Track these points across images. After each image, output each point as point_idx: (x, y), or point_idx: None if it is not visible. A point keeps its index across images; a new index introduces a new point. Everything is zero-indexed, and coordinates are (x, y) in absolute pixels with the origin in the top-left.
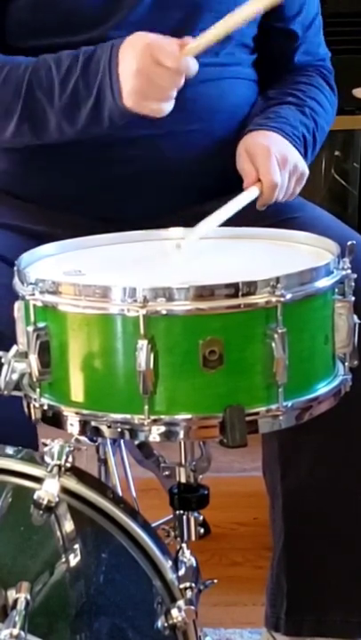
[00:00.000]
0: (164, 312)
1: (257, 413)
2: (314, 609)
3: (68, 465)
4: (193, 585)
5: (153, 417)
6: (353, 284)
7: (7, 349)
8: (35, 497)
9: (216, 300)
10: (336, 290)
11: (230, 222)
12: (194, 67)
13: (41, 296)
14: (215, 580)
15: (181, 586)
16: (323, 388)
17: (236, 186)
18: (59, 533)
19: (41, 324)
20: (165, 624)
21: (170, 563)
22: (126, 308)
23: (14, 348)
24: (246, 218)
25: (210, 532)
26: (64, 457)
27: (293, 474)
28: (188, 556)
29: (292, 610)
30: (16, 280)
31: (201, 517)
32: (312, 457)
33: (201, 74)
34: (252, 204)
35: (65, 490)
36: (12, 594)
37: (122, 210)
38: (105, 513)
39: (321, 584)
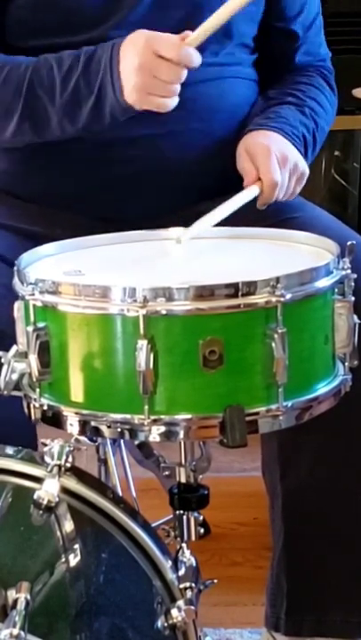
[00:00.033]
0: (163, 312)
1: (257, 413)
2: (314, 609)
3: (68, 465)
4: (193, 585)
5: (153, 417)
6: (353, 283)
7: (7, 349)
8: (35, 497)
9: (216, 300)
10: (336, 290)
11: (230, 222)
12: (196, 58)
13: (41, 296)
14: (215, 580)
15: (181, 586)
16: (323, 388)
17: (237, 185)
18: (59, 533)
19: (41, 324)
20: (165, 624)
21: (170, 563)
22: (126, 307)
23: (14, 348)
24: (246, 218)
25: (210, 532)
26: (64, 457)
27: (293, 474)
28: (188, 556)
29: (292, 610)
30: (16, 280)
31: (201, 517)
32: (312, 457)
33: (201, 73)
34: (253, 203)
35: (65, 490)
36: (12, 594)
37: (122, 210)
38: (105, 513)
39: (321, 584)
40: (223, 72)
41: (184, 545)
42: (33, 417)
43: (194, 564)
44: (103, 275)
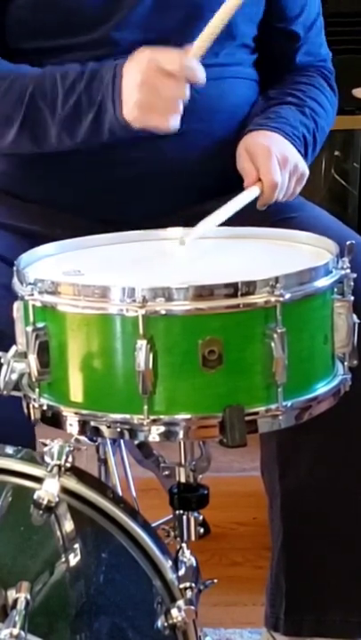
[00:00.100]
0: (163, 312)
1: (256, 413)
2: (313, 609)
3: (68, 465)
4: (193, 585)
5: (152, 417)
6: (352, 283)
7: (6, 350)
8: (35, 497)
9: (215, 300)
10: (335, 289)
11: (230, 222)
12: (200, 72)
13: (40, 296)
14: (215, 580)
15: (181, 586)
16: (322, 388)
17: (237, 185)
18: (59, 533)
19: (40, 325)
20: (165, 624)
21: (170, 563)
22: (125, 308)
23: (13, 348)
24: (246, 218)
25: (210, 531)
26: (64, 457)
27: (293, 474)
28: (188, 556)
29: (292, 610)
30: (15, 280)
31: (201, 517)
32: (311, 457)
33: None
34: (253, 203)
35: (65, 490)
36: (11, 594)
37: (123, 211)
38: (105, 513)
39: (320, 584)
40: (223, 72)
41: (184, 545)
42: (32, 417)
43: (194, 564)
44: (102, 275)
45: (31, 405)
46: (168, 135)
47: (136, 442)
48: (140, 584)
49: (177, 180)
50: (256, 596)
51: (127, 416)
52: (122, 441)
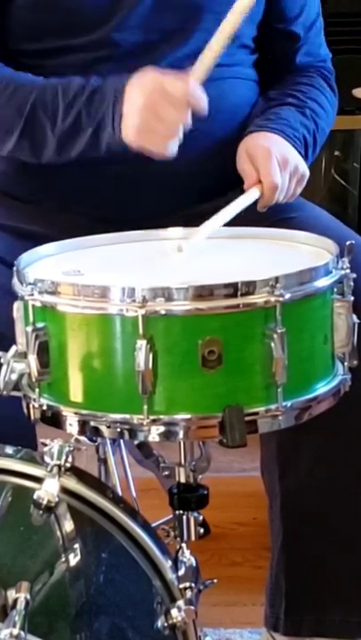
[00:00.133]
0: (163, 312)
1: (256, 413)
2: (313, 609)
3: (68, 465)
4: (193, 585)
5: (152, 417)
6: (352, 283)
7: (6, 350)
8: (35, 497)
9: (215, 300)
10: (335, 289)
11: (230, 222)
12: (204, 102)
13: (40, 296)
14: (215, 580)
15: (181, 586)
16: (322, 388)
17: (236, 186)
18: (59, 533)
19: (40, 325)
20: (165, 624)
21: (170, 563)
22: (125, 308)
23: (13, 349)
24: (246, 218)
25: (210, 532)
26: (64, 457)
27: (292, 474)
28: (187, 556)
29: (292, 610)
30: (15, 280)
31: (201, 517)
32: (311, 457)
33: None
34: (253, 204)
35: (65, 490)
36: (11, 594)
37: (122, 210)
38: (105, 513)
39: (320, 584)
40: (223, 73)
41: (184, 545)
42: (32, 417)
43: (194, 564)
44: (102, 275)
45: (31, 405)
46: None
47: (136, 442)
48: (139, 584)
49: (176, 180)
50: (256, 596)
51: (127, 416)
52: (122, 441)
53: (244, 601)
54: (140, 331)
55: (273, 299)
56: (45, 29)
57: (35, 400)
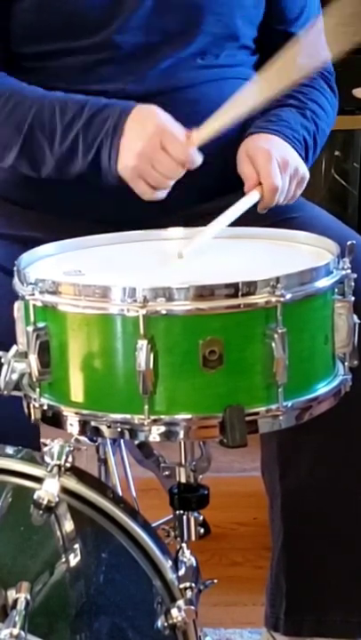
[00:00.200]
0: (163, 312)
1: (257, 413)
2: (313, 609)
3: (68, 465)
4: (193, 585)
5: (153, 417)
6: (353, 283)
7: (7, 349)
8: (35, 497)
9: (216, 300)
10: (336, 290)
11: (231, 222)
12: (198, 160)
13: (41, 296)
14: (215, 580)
15: (181, 586)
16: (323, 388)
17: (237, 186)
18: (59, 533)
19: (41, 324)
20: (165, 624)
21: (170, 563)
22: (126, 307)
23: (14, 348)
24: (246, 218)
25: (210, 532)
26: (64, 457)
27: (293, 474)
28: (188, 556)
29: (292, 610)
30: (16, 280)
31: (201, 517)
32: (312, 457)
33: (202, 75)
34: (253, 205)
35: (65, 490)
36: (11, 594)
37: (122, 212)
38: (105, 513)
39: (320, 584)
40: (224, 73)
41: (184, 545)
42: (33, 417)
43: (194, 564)
44: (103, 275)
45: (32, 405)
46: None
47: (136, 442)
48: (140, 584)
49: (177, 180)
50: (256, 596)
51: (128, 416)
52: (122, 441)
53: (244, 601)
54: (141, 331)
55: (274, 299)
56: (47, 32)
57: (35, 400)
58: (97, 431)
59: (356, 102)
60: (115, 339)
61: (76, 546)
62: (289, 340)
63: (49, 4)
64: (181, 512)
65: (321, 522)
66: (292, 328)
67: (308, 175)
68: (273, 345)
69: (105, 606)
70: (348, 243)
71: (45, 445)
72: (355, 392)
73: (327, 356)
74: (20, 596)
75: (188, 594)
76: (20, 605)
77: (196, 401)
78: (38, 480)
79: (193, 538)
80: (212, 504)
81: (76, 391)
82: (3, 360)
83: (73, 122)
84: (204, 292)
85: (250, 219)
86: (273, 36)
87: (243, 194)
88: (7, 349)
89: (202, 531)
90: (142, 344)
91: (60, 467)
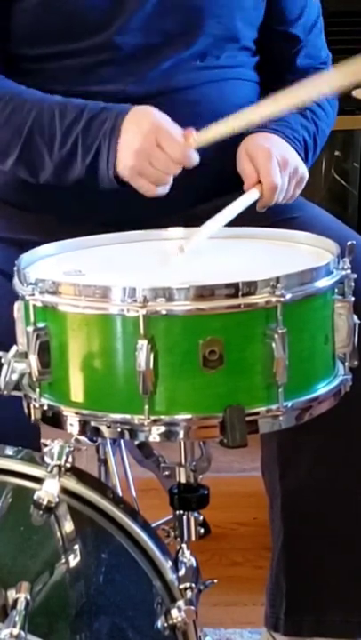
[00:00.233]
0: (163, 312)
1: (257, 413)
2: (313, 609)
3: (68, 465)
4: (193, 585)
5: (153, 417)
6: (353, 284)
7: (7, 350)
8: (35, 497)
9: (216, 300)
10: (336, 290)
11: (230, 222)
12: (195, 159)
13: (41, 296)
14: (215, 580)
15: (181, 586)
16: (323, 388)
17: (236, 186)
18: (59, 533)
19: (41, 325)
20: (165, 624)
21: (170, 563)
22: (126, 308)
23: (14, 349)
24: (246, 218)
25: (210, 532)
26: (64, 457)
27: (293, 474)
28: (188, 556)
29: (292, 610)
30: (16, 280)
31: (201, 517)
32: (312, 457)
33: (203, 76)
34: (253, 205)
35: (65, 490)
36: (12, 594)
37: (122, 213)
38: (105, 513)
39: (320, 584)
40: (225, 74)
41: (184, 545)
42: (33, 417)
43: (194, 565)
44: (103, 275)
45: (32, 405)
46: None
47: (136, 442)
48: (140, 584)
49: (177, 181)
50: (256, 596)
51: (128, 416)
52: (122, 441)
53: (244, 601)
54: (141, 331)
55: (274, 299)
56: (47, 33)
57: (35, 400)
58: (97, 431)
59: (356, 102)
60: (115, 339)
61: (76, 546)
62: (289, 340)
63: (49, 5)
64: (181, 512)
65: (321, 522)
66: (292, 328)
67: (307, 175)
68: (273, 345)
69: (105, 606)
70: (348, 243)
71: (45, 446)
72: (355, 392)
73: (327, 356)
74: (20, 596)
75: (188, 594)
76: (20, 605)
77: (196, 401)
78: (38, 480)
79: (193, 538)
80: (212, 504)
81: (76, 391)
82: (3, 360)
83: (72, 126)
84: (204, 292)
85: (250, 219)
86: (273, 38)
87: (242, 193)
88: (7, 349)
89: (202, 531)
90: (142, 344)
91: (60, 467)
